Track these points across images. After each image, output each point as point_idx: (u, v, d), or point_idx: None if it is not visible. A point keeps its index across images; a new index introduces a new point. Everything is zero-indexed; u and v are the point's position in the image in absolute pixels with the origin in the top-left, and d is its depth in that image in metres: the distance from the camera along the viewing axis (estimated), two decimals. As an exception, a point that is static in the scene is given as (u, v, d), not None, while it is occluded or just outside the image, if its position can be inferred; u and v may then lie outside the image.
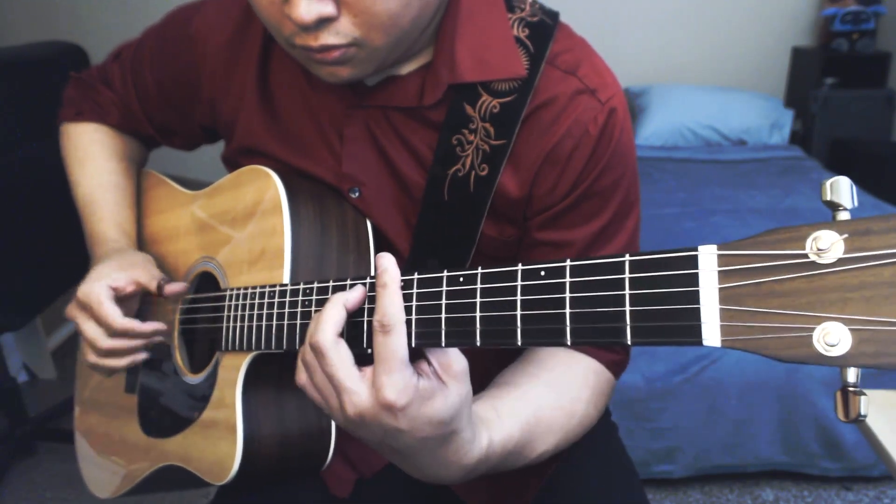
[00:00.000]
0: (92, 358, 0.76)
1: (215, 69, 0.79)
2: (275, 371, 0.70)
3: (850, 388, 0.36)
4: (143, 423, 0.83)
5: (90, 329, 0.74)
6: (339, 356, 0.51)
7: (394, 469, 0.83)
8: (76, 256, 1.90)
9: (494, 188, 0.69)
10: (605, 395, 0.75)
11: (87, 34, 2.63)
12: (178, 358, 0.80)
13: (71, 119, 0.91)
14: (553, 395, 0.68)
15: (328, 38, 0.59)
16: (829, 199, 0.36)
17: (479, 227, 0.71)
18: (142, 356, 0.78)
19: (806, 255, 0.35)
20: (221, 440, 0.69)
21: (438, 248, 0.72)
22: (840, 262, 0.34)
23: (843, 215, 0.36)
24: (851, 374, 0.36)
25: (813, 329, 0.35)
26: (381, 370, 0.49)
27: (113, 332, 0.73)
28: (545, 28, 0.69)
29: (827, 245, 0.34)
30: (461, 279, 0.50)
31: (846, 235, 0.34)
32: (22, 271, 1.71)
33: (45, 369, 2.45)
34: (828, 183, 0.36)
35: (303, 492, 0.81)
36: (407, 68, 0.70)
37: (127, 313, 0.78)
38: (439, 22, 0.68)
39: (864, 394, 0.36)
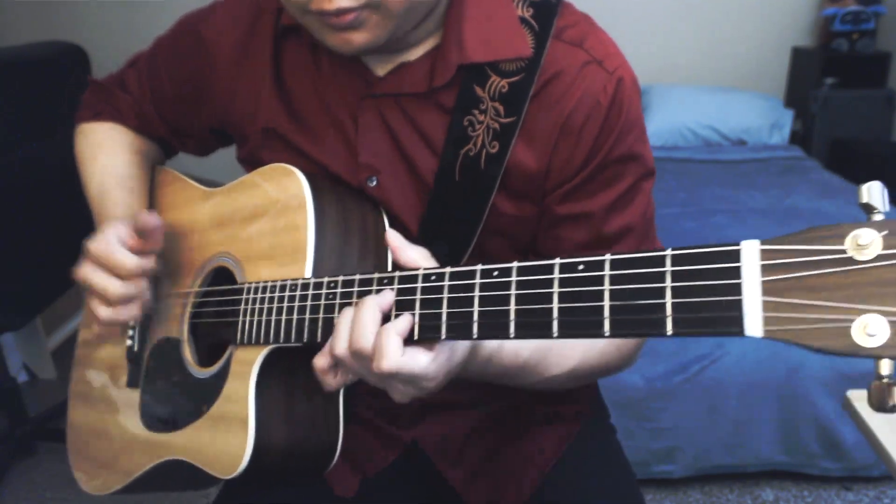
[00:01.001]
0: (105, 313, 0.75)
1: (227, 69, 0.80)
2: (286, 368, 0.71)
3: (885, 380, 0.37)
4: (145, 418, 0.82)
5: (100, 279, 0.74)
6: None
7: (396, 468, 0.84)
8: (76, 256, 1.90)
9: (505, 163, 0.70)
10: (633, 342, 0.77)
11: (87, 34, 2.63)
12: (188, 352, 0.80)
13: (88, 119, 0.93)
14: None
15: (343, 1, 0.60)
16: (865, 201, 0.38)
17: (488, 203, 0.72)
18: (147, 298, 0.78)
19: (845, 251, 0.37)
20: (231, 433, 0.69)
21: (445, 228, 0.73)
22: (879, 258, 0.36)
23: (878, 217, 0.38)
24: (886, 367, 0.37)
25: (853, 320, 0.36)
26: (411, 378, 0.56)
27: (126, 274, 0.73)
28: (549, 6, 0.71)
29: (866, 242, 0.36)
30: (495, 272, 0.51)
31: (885, 233, 0.36)
32: (22, 271, 1.71)
33: (45, 369, 2.45)
34: (864, 187, 0.38)
35: (307, 492, 0.81)
36: (416, 54, 0.72)
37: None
38: (447, 7, 0.70)
39: None
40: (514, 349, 0.65)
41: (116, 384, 0.89)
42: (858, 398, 0.88)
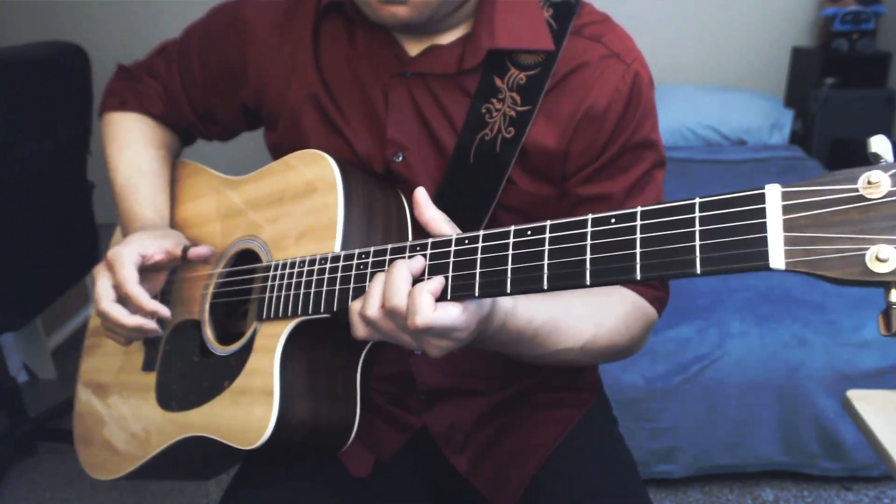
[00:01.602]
0: (104, 305, 0.77)
1: (264, 48, 0.83)
2: (309, 345, 0.73)
3: (895, 306, 0.41)
4: (161, 399, 0.83)
5: (102, 285, 0.76)
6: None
7: (406, 454, 0.87)
8: (76, 257, 1.90)
9: (520, 146, 0.75)
10: (641, 324, 0.79)
11: (87, 34, 2.63)
12: (208, 331, 0.81)
13: (114, 109, 0.94)
14: (585, 306, 0.74)
15: None
16: (874, 151, 0.42)
17: (502, 183, 0.76)
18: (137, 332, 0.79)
19: (857, 190, 0.41)
20: (255, 405, 0.71)
21: (459, 207, 0.75)
22: (888, 194, 0.40)
23: (884, 163, 0.42)
24: (895, 295, 0.41)
25: (867, 249, 0.40)
26: (444, 331, 0.57)
27: (120, 295, 0.76)
28: (568, 6, 0.76)
29: (877, 180, 0.41)
30: (528, 232, 0.55)
31: (893, 172, 0.40)
32: (22, 271, 1.71)
33: (45, 369, 2.45)
34: (873, 139, 0.42)
35: (322, 475, 0.83)
36: (448, 38, 0.77)
37: (152, 287, 0.81)
38: (479, 1, 0.75)
39: None
40: (528, 315, 0.67)
41: (131, 369, 0.90)
42: (858, 398, 0.88)
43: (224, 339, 0.81)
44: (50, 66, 1.71)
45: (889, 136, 3.08)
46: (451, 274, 0.58)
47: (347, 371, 0.76)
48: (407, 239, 0.74)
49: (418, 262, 0.60)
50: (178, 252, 0.81)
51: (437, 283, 0.58)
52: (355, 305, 0.63)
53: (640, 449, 1.72)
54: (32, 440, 2.05)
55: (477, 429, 0.87)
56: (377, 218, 0.74)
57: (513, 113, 0.74)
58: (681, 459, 1.75)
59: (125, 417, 0.89)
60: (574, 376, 0.90)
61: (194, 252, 0.82)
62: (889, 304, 0.41)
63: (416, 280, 0.59)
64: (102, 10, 3.16)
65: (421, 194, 0.64)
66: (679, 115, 3.13)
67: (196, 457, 0.83)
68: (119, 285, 0.75)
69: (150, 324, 0.77)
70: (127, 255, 0.76)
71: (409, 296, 0.57)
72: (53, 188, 1.74)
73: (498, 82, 0.75)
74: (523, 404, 0.88)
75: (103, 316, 0.76)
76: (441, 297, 0.58)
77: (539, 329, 0.69)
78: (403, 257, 0.61)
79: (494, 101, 0.75)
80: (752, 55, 3.40)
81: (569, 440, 0.85)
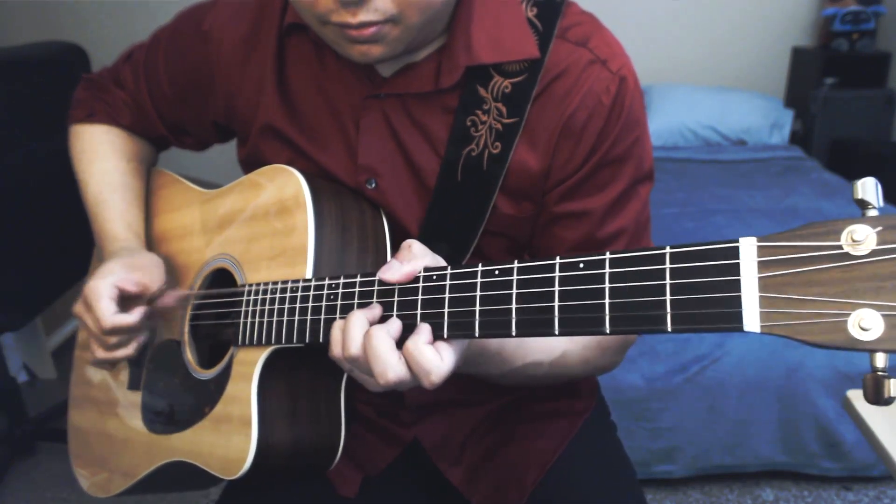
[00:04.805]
0: (100, 354, 0.77)
1: (230, 64, 0.79)
2: (288, 368, 0.71)
3: (880, 373, 0.38)
4: (147, 420, 0.83)
5: (93, 326, 0.75)
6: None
7: (398, 468, 0.85)
8: (76, 257, 1.89)
9: (507, 164, 0.70)
10: (618, 343, 0.76)
11: (87, 34, 2.63)
12: (189, 353, 0.80)
13: (82, 120, 0.91)
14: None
15: (367, 14, 0.60)
16: (860, 197, 0.39)
17: (490, 204, 0.72)
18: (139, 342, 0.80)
19: (841, 247, 0.38)
20: (235, 434, 0.70)
21: (447, 229, 0.73)
22: (873, 253, 0.37)
23: (872, 213, 0.38)
24: (880, 360, 0.38)
25: (848, 315, 0.37)
26: (427, 376, 0.55)
27: (102, 331, 0.74)
28: (553, 6, 0.71)
29: (861, 238, 0.37)
30: (496, 272, 0.52)
31: (879, 228, 0.37)
32: (22, 271, 1.71)
33: (45, 369, 2.45)
34: (859, 183, 0.39)
35: (310, 492, 0.82)
36: (422, 54, 0.71)
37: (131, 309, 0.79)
38: (454, 7, 0.69)
39: (893, 378, 0.38)
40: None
41: (117, 386, 0.89)
42: (858, 398, 0.88)
43: (211, 353, 0.80)
44: (50, 66, 1.71)
45: (889, 136, 3.07)
46: (419, 311, 0.56)
47: (330, 391, 0.74)
48: (385, 251, 0.73)
49: (376, 312, 0.58)
50: (151, 291, 0.78)
51: (395, 328, 0.56)
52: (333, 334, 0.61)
53: (639, 449, 1.72)
54: (32, 440, 2.05)
55: (472, 441, 0.85)
56: (351, 232, 0.71)
57: (499, 126, 0.69)
58: (681, 459, 1.75)
59: (114, 436, 0.88)
60: (571, 383, 0.88)
61: (161, 302, 0.79)
62: (874, 370, 0.38)
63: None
64: (102, 10, 3.15)
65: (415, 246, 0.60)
66: (679, 115, 3.13)
67: (185, 478, 0.82)
68: (98, 320, 0.74)
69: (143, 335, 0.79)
70: (103, 289, 0.74)
71: (370, 349, 0.55)
72: (53, 188, 1.73)
73: (482, 92, 0.69)
74: (520, 414, 0.86)
75: (114, 348, 0.76)
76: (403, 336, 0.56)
77: (504, 342, 0.66)
78: (372, 290, 0.60)
79: (479, 112, 0.70)
80: (752, 55, 3.40)
81: (568, 452, 0.84)
